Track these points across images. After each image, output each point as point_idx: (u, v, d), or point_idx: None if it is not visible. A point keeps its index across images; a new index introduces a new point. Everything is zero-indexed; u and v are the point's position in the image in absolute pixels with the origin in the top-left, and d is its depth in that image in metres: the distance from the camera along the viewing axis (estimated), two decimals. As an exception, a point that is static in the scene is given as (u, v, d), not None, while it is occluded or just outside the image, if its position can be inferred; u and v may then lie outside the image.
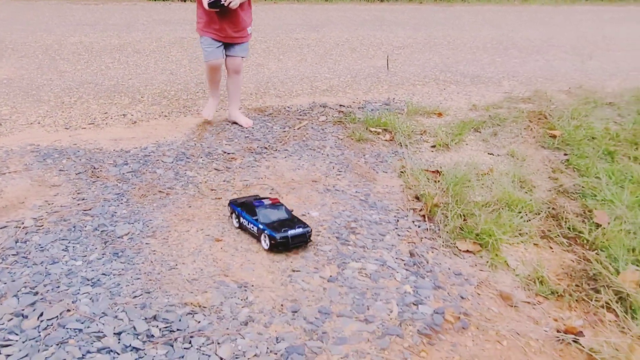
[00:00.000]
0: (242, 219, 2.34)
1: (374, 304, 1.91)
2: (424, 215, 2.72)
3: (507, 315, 2.10)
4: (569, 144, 3.64)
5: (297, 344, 1.66)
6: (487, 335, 1.89)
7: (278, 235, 2.15)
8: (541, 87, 5.04)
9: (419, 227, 2.60)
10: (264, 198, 2.46)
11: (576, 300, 2.32)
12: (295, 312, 1.82)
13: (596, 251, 2.60)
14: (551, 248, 2.68)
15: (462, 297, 2.10)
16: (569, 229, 2.78)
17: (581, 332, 2.03)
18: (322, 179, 2.98)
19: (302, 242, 2.23)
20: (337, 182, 2.96)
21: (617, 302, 2.27)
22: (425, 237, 2.52)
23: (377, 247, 2.32)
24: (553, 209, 2.92)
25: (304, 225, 2.27)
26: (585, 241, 2.69)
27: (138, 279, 1.96)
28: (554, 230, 2.76)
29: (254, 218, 2.26)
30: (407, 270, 2.17)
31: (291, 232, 2.18)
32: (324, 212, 2.58)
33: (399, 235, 2.47)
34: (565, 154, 3.52)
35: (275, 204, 2.36)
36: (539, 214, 2.85)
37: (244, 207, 2.36)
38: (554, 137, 3.72)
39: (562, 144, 3.65)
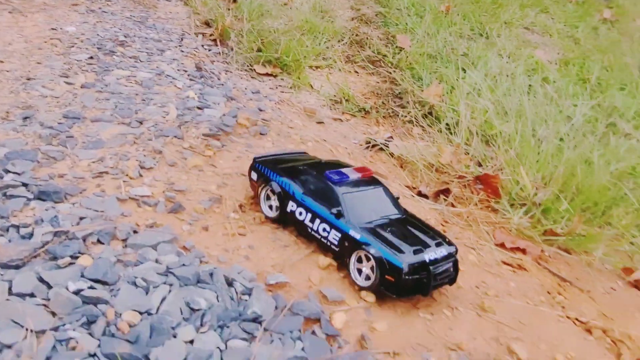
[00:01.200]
0: (293, 204, 1.14)
1: (145, 108, 1.45)
2: (215, 40, 2.29)
3: (313, 128, 1.82)
4: (370, -21, 3.42)
5: (25, 150, 1.16)
6: (290, 140, 1.59)
7: (405, 263, 1.01)
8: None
9: (209, 50, 2.17)
10: (343, 165, 1.22)
11: (383, 116, 2.15)
12: (27, 118, 1.30)
13: (401, 73, 2.45)
14: (356, 72, 2.46)
15: (261, 110, 1.75)
16: (373, 52, 2.58)
17: (391, 137, 1.85)
18: (85, 3, 2.34)
19: (448, 276, 1.10)
20: (107, 7, 2.35)
21: (423, 117, 2.14)
22: (218, 61, 2.11)
23: (154, 60, 1.84)
24: (356, 35, 2.68)
25: (441, 235, 1.14)
26: (389, 64, 2.52)
27: None
28: (359, 55, 2.55)
29: (333, 211, 1.09)
30: (191, 80, 1.74)
31: (430, 255, 1.04)
32: (84, 29, 1.99)
33: (182, 52, 2.01)
34: (367, -12, 3.30)
35: (369, 180, 1.18)
36: (342, 40, 2.60)
37: (299, 180, 1.14)
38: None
39: (364, -20, 3.42)
